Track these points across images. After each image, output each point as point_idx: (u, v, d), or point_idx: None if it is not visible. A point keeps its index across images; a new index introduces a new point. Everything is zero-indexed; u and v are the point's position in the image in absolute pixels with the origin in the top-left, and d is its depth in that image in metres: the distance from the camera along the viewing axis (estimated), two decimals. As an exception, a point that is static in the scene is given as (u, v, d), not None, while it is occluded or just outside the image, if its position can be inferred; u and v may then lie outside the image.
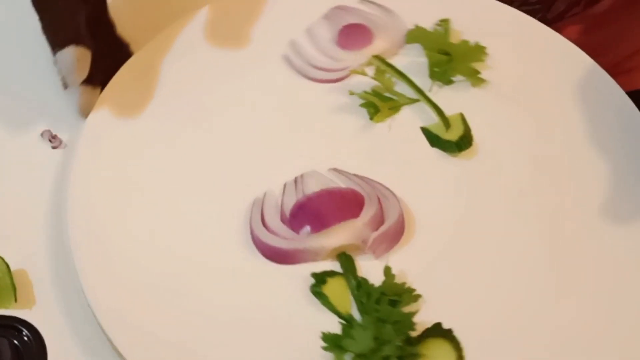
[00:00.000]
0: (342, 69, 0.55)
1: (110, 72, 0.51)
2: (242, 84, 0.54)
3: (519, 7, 0.58)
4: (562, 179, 0.51)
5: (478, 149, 0.52)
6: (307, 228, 0.46)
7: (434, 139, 0.52)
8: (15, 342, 0.42)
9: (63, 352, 0.43)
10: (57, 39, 0.45)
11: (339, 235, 0.46)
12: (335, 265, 0.46)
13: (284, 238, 0.46)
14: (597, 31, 0.67)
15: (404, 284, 0.45)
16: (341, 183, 0.49)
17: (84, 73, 0.45)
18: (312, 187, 0.48)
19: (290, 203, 0.48)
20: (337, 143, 0.52)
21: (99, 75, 0.50)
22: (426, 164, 0.51)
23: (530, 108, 0.54)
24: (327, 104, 0.53)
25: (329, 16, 0.58)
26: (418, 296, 0.45)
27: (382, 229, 0.46)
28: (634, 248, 0.48)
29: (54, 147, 0.50)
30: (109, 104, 0.51)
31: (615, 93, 0.54)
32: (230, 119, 0.52)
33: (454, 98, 0.54)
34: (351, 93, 0.53)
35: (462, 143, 0.51)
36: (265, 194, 0.48)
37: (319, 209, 0.46)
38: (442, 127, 0.52)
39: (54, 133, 0.51)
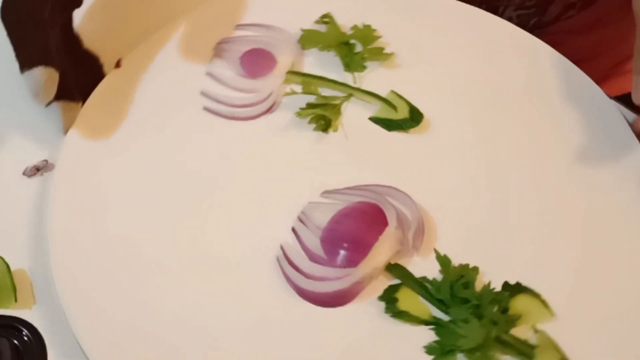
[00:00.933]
0: (267, 98, 0.51)
1: (86, 85, 0.50)
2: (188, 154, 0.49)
3: (515, 11, 0.58)
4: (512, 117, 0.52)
5: (428, 119, 0.51)
6: (346, 255, 0.43)
7: (388, 124, 0.51)
8: (15, 342, 0.42)
9: (63, 352, 0.42)
10: (25, 58, 0.44)
11: (385, 249, 0.43)
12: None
13: (337, 279, 0.42)
14: (597, 32, 0.68)
15: (460, 265, 0.44)
16: (342, 202, 0.46)
17: (52, 92, 0.45)
18: (322, 217, 0.45)
19: (313, 243, 0.44)
20: (309, 167, 0.49)
21: (76, 90, 0.49)
22: (396, 149, 0.50)
23: (443, 66, 0.54)
24: (275, 136, 0.50)
25: (219, 53, 0.53)
26: (477, 269, 0.44)
27: (414, 224, 0.45)
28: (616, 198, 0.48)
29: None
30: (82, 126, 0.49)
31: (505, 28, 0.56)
32: (203, 193, 0.47)
33: (377, 81, 0.53)
34: (298, 115, 0.50)
35: (416, 115, 0.51)
36: (282, 248, 0.44)
37: (351, 234, 0.43)
38: (389, 110, 0.51)
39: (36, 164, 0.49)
